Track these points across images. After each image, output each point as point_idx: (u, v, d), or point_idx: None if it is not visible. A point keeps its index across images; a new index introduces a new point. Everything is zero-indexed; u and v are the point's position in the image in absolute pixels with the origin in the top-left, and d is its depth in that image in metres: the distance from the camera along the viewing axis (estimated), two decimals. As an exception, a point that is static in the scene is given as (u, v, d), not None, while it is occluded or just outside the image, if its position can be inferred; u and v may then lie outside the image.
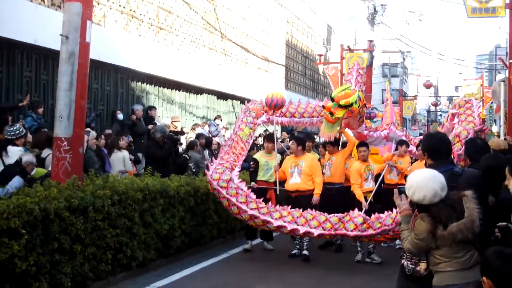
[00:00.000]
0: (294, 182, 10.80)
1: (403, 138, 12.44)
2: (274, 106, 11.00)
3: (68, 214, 7.38)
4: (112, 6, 15.32)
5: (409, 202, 4.78)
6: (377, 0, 28.17)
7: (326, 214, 9.51)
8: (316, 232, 9.28)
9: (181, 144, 14.74)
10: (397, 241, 11.73)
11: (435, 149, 5.47)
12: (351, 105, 9.61)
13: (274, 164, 11.23)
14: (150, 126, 14.68)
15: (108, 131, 13.45)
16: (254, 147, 13.14)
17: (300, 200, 10.49)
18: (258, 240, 11.81)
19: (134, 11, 16.38)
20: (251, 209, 9.61)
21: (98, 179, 8.65)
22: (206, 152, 15.23)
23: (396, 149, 12.11)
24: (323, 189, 10.85)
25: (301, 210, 9.64)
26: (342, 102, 9.57)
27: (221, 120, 19.62)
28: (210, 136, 17.05)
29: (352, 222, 9.25)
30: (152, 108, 16.17)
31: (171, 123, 16.59)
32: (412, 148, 12.14)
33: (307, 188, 10.74)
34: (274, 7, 28.12)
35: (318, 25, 37.16)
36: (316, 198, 10.57)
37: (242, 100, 23.07)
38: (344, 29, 45.13)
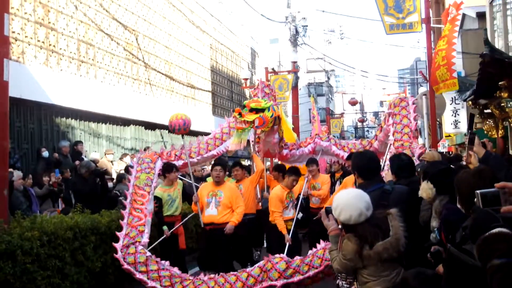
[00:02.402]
0: (210, 214, 9.63)
1: (329, 149, 11.51)
2: (179, 129, 10.12)
3: (-5, 259, 7.15)
4: (31, 41, 15.04)
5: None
6: (298, 22, 28.40)
7: (247, 270, 8.60)
8: None
9: (112, 179, 14.51)
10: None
11: (364, 168, 5.53)
12: (262, 110, 9.12)
13: (177, 194, 10.51)
14: (76, 162, 14.40)
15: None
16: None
17: (214, 234, 9.58)
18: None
19: (54, 46, 16.13)
20: None
21: (25, 220, 8.40)
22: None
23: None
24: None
25: (224, 273, 8.59)
26: (252, 105, 9.09)
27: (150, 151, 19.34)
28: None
29: (275, 269, 8.28)
30: (78, 143, 15.91)
31: (105, 155, 16.37)
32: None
33: (224, 221, 9.59)
34: (197, 34, 28.17)
35: (242, 49, 37.44)
36: (229, 226, 9.51)
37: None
38: (267, 52, 45.61)
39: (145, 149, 19.30)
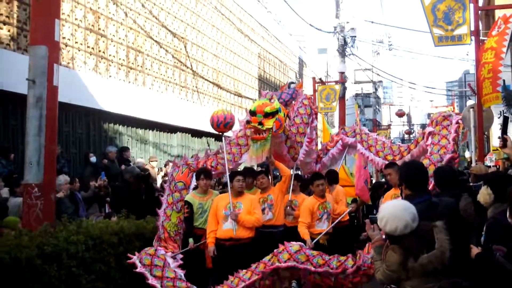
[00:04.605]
0: (228, 228, 8.70)
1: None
2: (219, 125, 9.35)
3: (40, 262, 7.20)
4: (81, 47, 15.25)
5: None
6: (347, 32, 28.32)
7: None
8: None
9: (156, 189, 14.54)
10: None
11: (412, 178, 5.42)
12: (277, 111, 8.48)
13: (210, 206, 9.28)
14: (122, 167, 14.52)
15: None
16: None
17: (235, 250, 8.61)
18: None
19: (104, 52, 16.34)
20: None
21: (71, 224, 8.48)
22: (182, 191, 15.02)
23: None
24: (263, 234, 9.11)
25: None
26: (267, 109, 8.37)
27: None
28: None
29: (286, 251, 7.73)
30: (125, 149, 16.02)
31: (149, 162, 16.45)
32: (375, 158, 10.27)
33: (245, 236, 8.68)
34: (245, 43, 28.27)
35: (290, 59, 37.43)
36: (235, 213, 8.68)
37: (217, 137, 23.05)
38: (315, 62, 45.51)
39: (191, 157, 19.47)
